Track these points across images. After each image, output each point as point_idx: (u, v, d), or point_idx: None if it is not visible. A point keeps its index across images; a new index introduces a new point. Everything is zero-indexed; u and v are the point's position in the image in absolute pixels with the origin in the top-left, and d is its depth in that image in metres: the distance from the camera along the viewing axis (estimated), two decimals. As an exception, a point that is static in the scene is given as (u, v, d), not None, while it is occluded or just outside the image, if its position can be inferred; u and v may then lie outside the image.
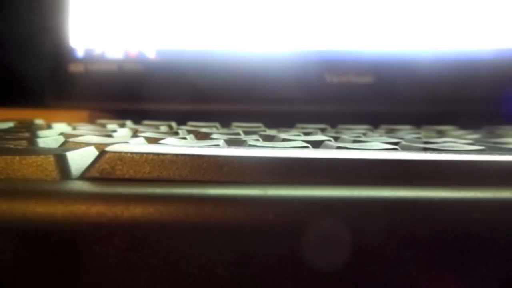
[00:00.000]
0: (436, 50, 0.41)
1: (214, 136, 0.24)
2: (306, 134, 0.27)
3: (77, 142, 0.20)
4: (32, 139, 0.20)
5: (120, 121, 0.32)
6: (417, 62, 0.41)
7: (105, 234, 0.13)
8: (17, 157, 0.15)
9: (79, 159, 0.16)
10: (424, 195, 0.14)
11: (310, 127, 0.31)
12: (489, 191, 0.14)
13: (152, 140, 0.22)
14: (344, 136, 0.25)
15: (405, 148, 0.21)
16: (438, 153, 0.17)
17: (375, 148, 0.20)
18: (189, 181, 0.15)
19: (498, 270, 0.13)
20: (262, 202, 0.13)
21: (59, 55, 0.43)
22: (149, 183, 0.14)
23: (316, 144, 0.21)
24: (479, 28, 0.40)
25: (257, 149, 0.18)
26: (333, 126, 0.33)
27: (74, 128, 0.28)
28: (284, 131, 0.29)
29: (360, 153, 0.17)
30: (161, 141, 0.21)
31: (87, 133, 0.23)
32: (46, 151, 0.16)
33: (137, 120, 0.34)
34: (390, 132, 0.31)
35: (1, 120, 0.31)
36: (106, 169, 0.15)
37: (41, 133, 0.23)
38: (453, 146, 0.21)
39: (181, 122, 0.33)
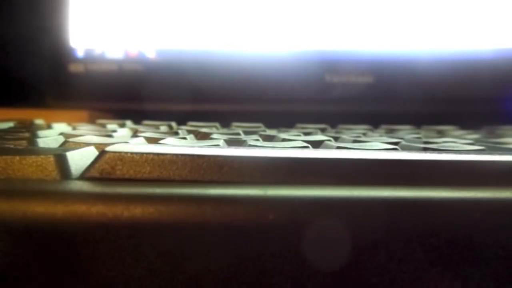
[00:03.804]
0: (436, 50, 0.41)
1: (214, 136, 0.24)
2: (306, 134, 0.27)
3: (77, 142, 0.20)
4: (32, 139, 0.20)
5: (120, 121, 0.32)
6: (417, 62, 0.41)
7: (105, 234, 0.13)
8: (17, 157, 0.15)
9: (79, 159, 0.16)
10: (424, 195, 0.14)
11: (310, 127, 0.31)
12: (489, 191, 0.14)
13: (152, 140, 0.22)
14: (344, 136, 0.25)
15: (405, 148, 0.21)
16: (438, 153, 0.17)
17: (375, 148, 0.20)
18: (189, 181, 0.15)
19: (498, 270, 0.13)
20: (262, 202, 0.13)
21: (59, 55, 0.43)
22: (149, 183, 0.14)
23: (316, 144, 0.21)
24: (479, 28, 0.40)
25: (257, 149, 0.18)
26: (333, 126, 0.33)
27: (74, 128, 0.28)
28: (284, 131, 0.29)
29: (360, 153, 0.17)
30: (161, 141, 0.21)
31: (87, 133, 0.23)
32: (46, 151, 0.16)
33: (137, 120, 0.34)
34: (390, 132, 0.31)
35: (1, 120, 0.31)
36: (106, 169, 0.15)
37: (41, 133, 0.23)
38: (453, 146, 0.21)
39: (181, 122, 0.33)
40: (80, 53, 0.43)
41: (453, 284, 0.13)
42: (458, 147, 0.21)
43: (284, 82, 0.41)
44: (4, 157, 0.15)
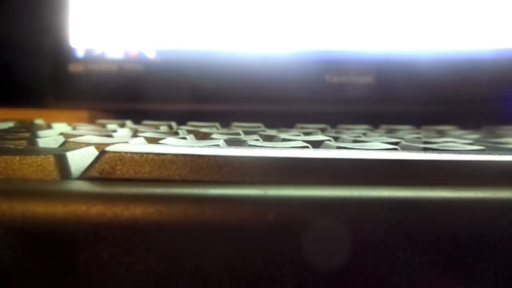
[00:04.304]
0: (436, 50, 0.41)
1: (214, 136, 0.24)
2: (306, 134, 0.27)
3: (77, 142, 0.20)
4: (32, 139, 0.20)
5: (120, 121, 0.32)
6: (417, 62, 0.41)
7: (105, 234, 0.13)
8: (17, 157, 0.15)
9: (79, 159, 0.16)
10: (424, 195, 0.14)
11: (310, 127, 0.31)
12: (489, 191, 0.14)
13: (152, 140, 0.22)
14: (344, 136, 0.25)
15: (405, 148, 0.21)
16: (438, 153, 0.17)
17: (375, 148, 0.20)
18: (189, 181, 0.15)
19: (498, 270, 0.13)
20: (262, 202, 0.13)
21: (59, 55, 0.43)
22: (149, 183, 0.14)
23: (316, 144, 0.21)
24: (479, 28, 0.40)
25: (257, 149, 0.18)
26: (333, 126, 0.33)
27: (74, 128, 0.28)
28: (284, 131, 0.29)
29: (360, 153, 0.17)
30: (161, 141, 0.21)
31: (87, 133, 0.23)
32: (46, 151, 0.16)
33: (137, 120, 0.34)
34: (390, 132, 0.31)
35: (1, 120, 0.31)
36: (106, 169, 0.15)
37: (41, 133, 0.23)
38: (453, 146, 0.21)
39: (181, 122, 0.33)
40: (80, 53, 0.43)
41: (453, 284, 0.13)
42: (458, 147, 0.21)
43: (284, 82, 0.41)
44: (4, 157, 0.15)
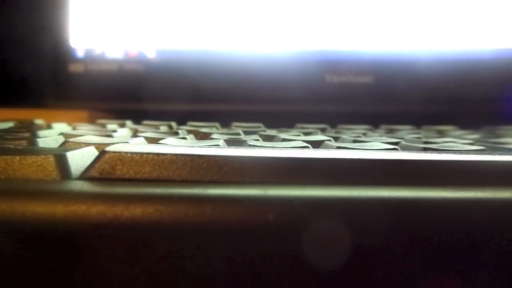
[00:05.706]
0: (436, 50, 0.41)
1: (214, 136, 0.24)
2: (306, 134, 0.27)
3: (77, 142, 0.20)
4: (32, 139, 0.20)
5: (120, 121, 0.32)
6: (417, 62, 0.41)
7: (105, 234, 0.13)
8: (17, 157, 0.15)
9: (79, 159, 0.16)
10: (424, 195, 0.14)
11: (310, 127, 0.31)
12: (489, 191, 0.14)
13: (152, 140, 0.22)
14: (344, 136, 0.25)
15: (405, 148, 0.21)
16: (438, 153, 0.17)
17: (375, 148, 0.20)
18: (189, 181, 0.15)
19: (498, 270, 0.13)
20: (262, 202, 0.13)
21: (59, 55, 0.43)
22: (149, 183, 0.14)
23: (316, 144, 0.21)
24: (479, 28, 0.40)
25: (257, 149, 0.18)
26: (333, 126, 0.33)
27: (74, 128, 0.28)
28: (284, 131, 0.29)
29: (360, 153, 0.17)
30: (161, 141, 0.21)
31: (87, 133, 0.23)
32: (46, 151, 0.16)
33: (137, 120, 0.34)
34: (390, 132, 0.31)
35: (1, 120, 0.31)
36: (106, 169, 0.15)
37: (41, 133, 0.23)
38: (453, 146, 0.21)
39: (181, 122, 0.33)
40: (80, 53, 0.43)
41: (453, 284, 0.13)
42: (458, 147, 0.21)
43: (284, 82, 0.41)
44: (4, 157, 0.15)
